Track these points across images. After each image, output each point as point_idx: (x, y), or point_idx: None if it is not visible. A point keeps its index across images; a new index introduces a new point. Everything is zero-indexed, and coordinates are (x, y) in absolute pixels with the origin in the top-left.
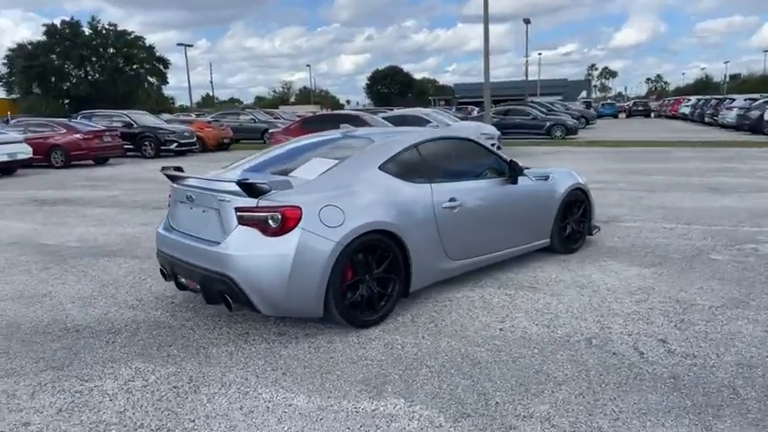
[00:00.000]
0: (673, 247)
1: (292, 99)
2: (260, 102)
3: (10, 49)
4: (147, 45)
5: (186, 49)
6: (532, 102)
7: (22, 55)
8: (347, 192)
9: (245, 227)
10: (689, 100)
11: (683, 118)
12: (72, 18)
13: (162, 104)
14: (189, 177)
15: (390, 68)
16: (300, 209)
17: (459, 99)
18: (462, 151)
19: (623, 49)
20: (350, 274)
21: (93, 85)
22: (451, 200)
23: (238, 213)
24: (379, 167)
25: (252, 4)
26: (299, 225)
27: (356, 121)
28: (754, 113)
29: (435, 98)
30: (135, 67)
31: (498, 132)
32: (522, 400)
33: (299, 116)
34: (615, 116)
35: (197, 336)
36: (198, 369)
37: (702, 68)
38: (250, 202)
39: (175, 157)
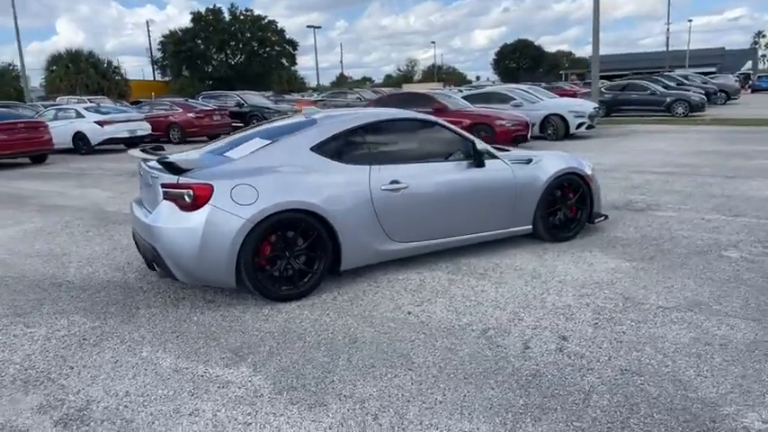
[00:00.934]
0: (688, 240)
1: (417, 77)
2: (388, 80)
3: (164, 36)
4: (279, 29)
5: (315, 31)
6: (660, 75)
7: (173, 41)
8: (267, 171)
9: (168, 201)
10: None
11: None
12: (214, 5)
13: (292, 85)
14: (149, 158)
15: (520, 42)
16: (212, 186)
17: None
18: (420, 133)
19: None
20: (268, 249)
21: (232, 67)
22: (393, 182)
23: (163, 189)
24: (311, 149)
25: None
26: (210, 202)
27: (425, 99)
28: None
29: (568, 72)
30: (267, 49)
31: (591, 109)
32: (359, 381)
33: (377, 95)
34: None
35: (142, 298)
36: (115, 326)
37: None
38: (173, 179)
39: None
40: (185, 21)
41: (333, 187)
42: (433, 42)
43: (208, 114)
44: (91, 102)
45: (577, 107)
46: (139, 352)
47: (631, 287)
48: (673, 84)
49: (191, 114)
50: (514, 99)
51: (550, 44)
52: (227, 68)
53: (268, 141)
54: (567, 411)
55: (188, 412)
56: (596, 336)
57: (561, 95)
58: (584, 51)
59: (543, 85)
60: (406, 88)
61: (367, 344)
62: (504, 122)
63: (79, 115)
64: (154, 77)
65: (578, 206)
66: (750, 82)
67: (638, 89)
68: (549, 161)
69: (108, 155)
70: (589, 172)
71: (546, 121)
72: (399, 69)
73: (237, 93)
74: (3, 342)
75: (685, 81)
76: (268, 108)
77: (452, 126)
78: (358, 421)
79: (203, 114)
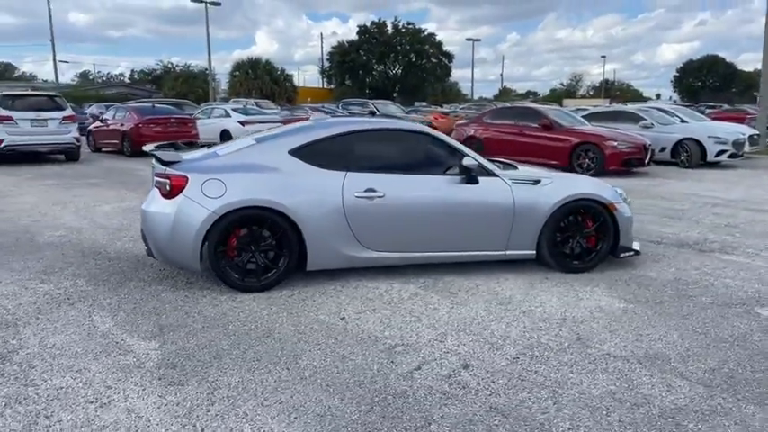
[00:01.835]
0: (725, 290)
1: (581, 92)
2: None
3: (332, 47)
4: (437, 41)
5: (474, 44)
6: None
7: (339, 52)
8: (240, 169)
9: (156, 189)
10: None
11: None
12: (379, 19)
13: (447, 96)
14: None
15: (708, 58)
16: (187, 178)
17: None
18: (411, 145)
19: None
20: (234, 241)
21: (390, 78)
22: (369, 190)
23: (155, 178)
24: (289, 152)
25: None
26: (183, 192)
27: (533, 114)
28: None
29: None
30: (424, 62)
31: (738, 136)
32: (233, 370)
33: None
34: None
35: (143, 273)
36: (99, 292)
37: None
38: (161, 169)
39: None
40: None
41: (303, 190)
42: (603, 57)
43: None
44: (256, 104)
45: (721, 132)
46: (93, 315)
47: (597, 329)
48: None
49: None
50: (644, 120)
51: (750, 63)
52: (386, 79)
53: (254, 142)
54: (362, 428)
55: (77, 369)
56: (502, 370)
57: (720, 119)
58: None
59: (725, 107)
60: (567, 103)
61: (275, 340)
62: (615, 143)
63: (227, 115)
64: (322, 85)
65: (599, 236)
66: None
67: None
68: (562, 184)
69: None
70: (611, 200)
71: (679, 145)
72: (562, 84)
73: (374, 102)
74: (13, 291)
75: None
76: (398, 117)
77: (448, 140)
78: (193, 404)
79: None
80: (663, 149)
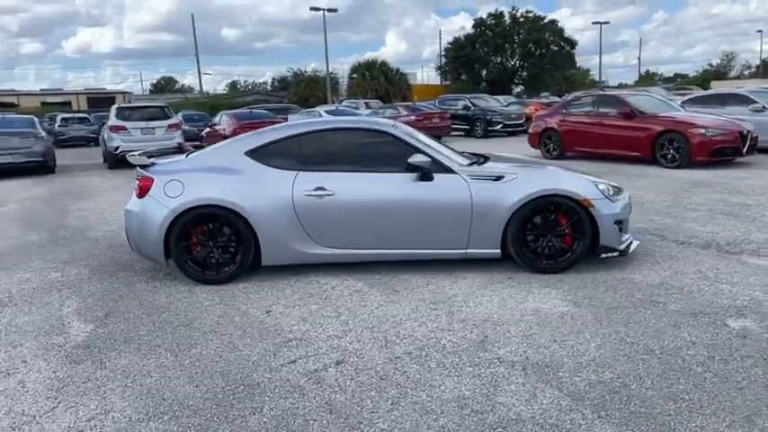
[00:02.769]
0: (709, 297)
1: (733, 72)
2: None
3: (448, 43)
4: (557, 28)
5: (601, 27)
6: None
7: (454, 47)
8: (199, 170)
9: (135, 190)
10: None
11: None
12: (496, 10)
13: (572, 84)
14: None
15: None
16: (152, 180)
17: None
18: (368, 143)
19: None
20: (194, 237)
21: (506, 69)
22: (318, 188)
23: (136, 180)
24: (245, 153)
25: None
26: (149, 192)
27: (614, 102)
28: None
29: None
30: (543, 50)
31: None
32: (132, 355)
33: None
34: None
35: (122, 262)
36: (87, 278)
37: None
38: (139, 173)
39: (502, 137)
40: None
41: (255, 189)
42: (759, 31)
43: (427, 117)
44: (366, 104)
45: None
46: (66, 301)
47: (513, 333)
48: None
49: (412, 117)
50: (756, 103)
51: None
52: (501, 71)
53: (222, 145)
54: (187, 413)
55: (14, 344)
56: (371, 369)
57: None
58: None
59: None
60: (716, 86)
61: (190, 329)
62: (703, 131)
63: (321, 116)
64: (441, 82)
65: (575, 235)
66: None
67: None
68: (528, 179)
69: None
70: (586, 196)
71: None
72: (710, 65)
73: (470, 96)
74: (27, 278)
75: None
76: (491, 111)
77: (406, 138)
78: (72, 380)
79: (422, 117)
80: None
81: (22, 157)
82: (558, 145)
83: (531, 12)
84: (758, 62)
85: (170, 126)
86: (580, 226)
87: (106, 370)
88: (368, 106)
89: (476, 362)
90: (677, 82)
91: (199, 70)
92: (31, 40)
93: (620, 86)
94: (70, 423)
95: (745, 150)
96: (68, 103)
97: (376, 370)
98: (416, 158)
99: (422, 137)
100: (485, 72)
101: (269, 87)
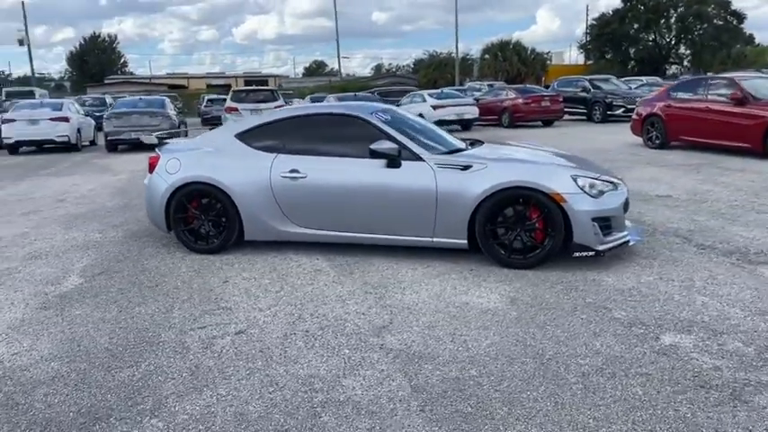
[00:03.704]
0: (667, 308)
1: None
2: None
3: (594, 19)
4: (723, 0)
5: None
6: None
7: (599, 24)
8: (195, 150)
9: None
10: None
11: None
12: None
13: (740, 63)
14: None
15: None
16: (158, 158)
17: None
18: (343, 129)
19: None
20: (189, 210)
21: (659, 47)
22: (293, 171)
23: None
24: (235, 135)
25: None
26: (155, 169)
27: (727, 84)
28: None
29: None
30: (705, 26)
31: None
32: (92, 308)
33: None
34: None
35: (144, 230)
36: (84, 242)
37: None
38: (158, 151)
39: (622, 122)
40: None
41: (240, 169)
42: None
43: (536, 100)
44: (490, 86)
45: None
46: (77, 260)
47: (415, 323)
48: None
49: (519, 100)
50: None
51: None
52: (653, 49)
53: (221, 126)
54: (83, 360)
55: (14, 289)
56: (259, 341)
57: None
58: None
59: None
60: None
61: (152, 290)
62: None
63: (424, 100)
64: (585, 62)
65: (546, 231)
66: None
67: None
68: (497, 170)
69: None
70: (557, 190)
71: None
72: None
73: (591, 78)
74: (73, 237)
75: None
76: (612, 94)
77: (378, 123)
78: (23, 321)
79: (531, 100)
80: None
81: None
82: (661, 133)
83: None
84: None
85: (276, 107)
86: (551, 221)
87: (60, 317)
88: (491, 88)
89: (357, 346)
90: None
91: (338, 54)
92: (207, 27)
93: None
94: (1, 354)
95: None
96: (228, 86)
97: (264, 343)
98: (379, 145)
99: (413, 122)
100: (633, 50)
101: (411, 70)
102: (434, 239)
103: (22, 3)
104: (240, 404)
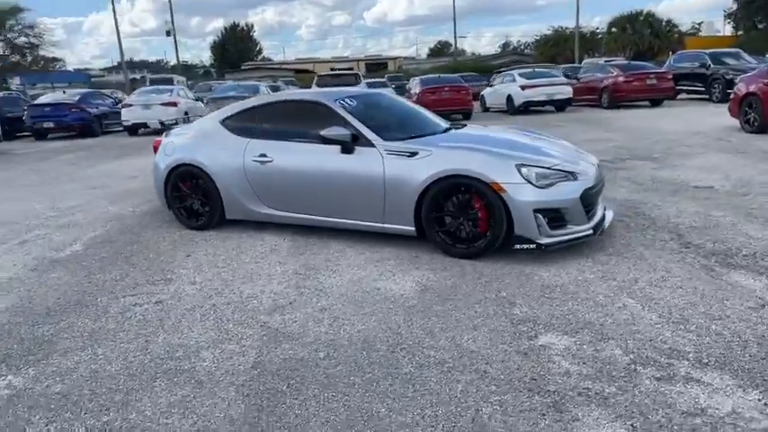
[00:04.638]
0: (584, 311)
1: None
2: None
3: None
4: None
5: None
6: None
7: None
8: (188, 134)
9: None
10: None
11: None
12: None
13: None
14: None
15: None
16: (161, 141)
17: None
18: (309, 115)
19: None
20: (183, 190)
21: None
22: (261, 155)
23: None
24: (220, 122)
25: None
26: (158, 151)
27: None
28: None
29: None
30: None
31: None
32: (68, 264)
33: None
34: None
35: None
36: (116, 215)
37: None
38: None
39: None
40: None
41: (221, 152)
42: None
43: (640, 78)
44: (606, 63)
45: None
46: (103, 226)
47: (310, 304)
48: None
49: (621, 78)
50: None
51: None
52: None
53: (209, 113)
54: (20, 314)
55: (24, 245)
56: (166, 311)
57: None
58: None
59: None
60: None
61: (125, 261)
62: None
63: (514, 80)
64: (735, 32)
65: (489, 221)
66: None
67: None
68: (440, 157)
69: (530, 116)
70: (497, 179)
71: None
72: None
73: (714, 52)
74: (109, 209)
75: None
76: (738, 70)
77: (340, 111)
78: (13, 278)
79: (633, 78)
80: None
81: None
82: (759, 114)
83: None
84: None
85: None
86: (492, 211)
87: (37, 278)
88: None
89: (244, 322)
90: None
91: (455, 34)
92: (341, 12)
93: None
94: None
95: None
96: (351, 69)
97: (168, 314)
98: (329, 132)
99: (393, 108)
100: None
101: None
102: (385, 225)
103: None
104: (103, 363)
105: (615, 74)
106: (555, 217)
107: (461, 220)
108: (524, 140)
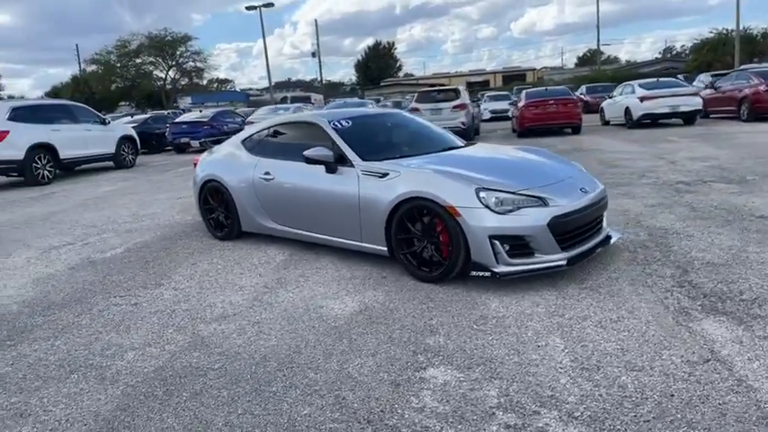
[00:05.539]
0: (514, 343)
1: None
2: None
3: None
4: None
5: None
6: None
7: None
8: (220, 153)
9: None
10: None
11: None
12: None
13: None
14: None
15: None
16: (198, 161)
17: None
18: (306, 135)
19: None
20: (211, 204)
21: None
22: (266, 173)
23: None
24: (241, 141)
25: None
26: (197, 167)
27: None
28: None
29: None
30: None
31: None
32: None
33: None
34: None
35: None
36: (165, 213)
37: None
38: None
39: None
40: None
41: (238, 170)
42: None
43: None
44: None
45: None
46: (144, 234)
47: (249, 316)
48: None
49: (762, 87)
50: None
51: None
52: None
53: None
54: (21, 300)
55: (58, 237)
56: (140, 311)
57: None
58: None
59: None
60: None
61: (143, 263)
62: None
63: (633, 91)
64: None
65: (449, 243)
66: None
67: None
68: (406, 179)
69: (648, 129)
70: (452, 203)
71: None
72: None
73: None
74: (158, 212)
75: None
76: None
77: (329, 131)
78: (39, 267)
79: None
80: None
81: None
82: None
83: None
84: None
85: (454, 107)
86: (451, 236)
87: (69, 276)
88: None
89: (182, 328)
90: None
91: (598, 40)
92: (487, 25)
93: None
94: None
95: None
96: (487, 82)
97: (132, 315)
98: (311, 152)
99: (394, 127)
100: None
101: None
102: (362, 244)
103: (315, 21)
104: (50, 353)
105: (756, 82)
106: (518, 245)
107: (425, 243)
108: (515, 163)
